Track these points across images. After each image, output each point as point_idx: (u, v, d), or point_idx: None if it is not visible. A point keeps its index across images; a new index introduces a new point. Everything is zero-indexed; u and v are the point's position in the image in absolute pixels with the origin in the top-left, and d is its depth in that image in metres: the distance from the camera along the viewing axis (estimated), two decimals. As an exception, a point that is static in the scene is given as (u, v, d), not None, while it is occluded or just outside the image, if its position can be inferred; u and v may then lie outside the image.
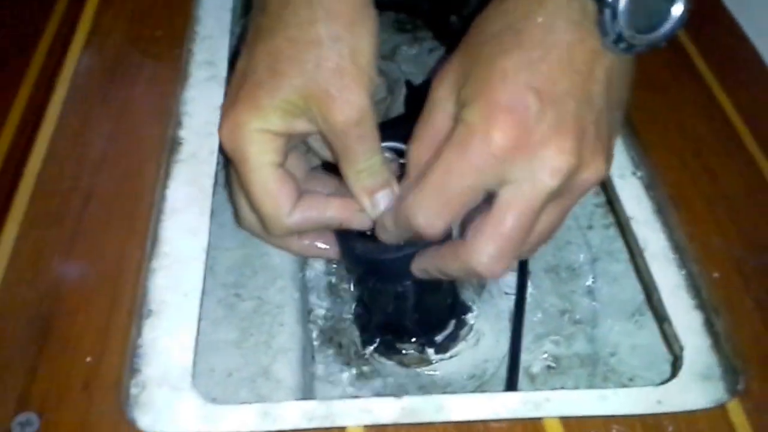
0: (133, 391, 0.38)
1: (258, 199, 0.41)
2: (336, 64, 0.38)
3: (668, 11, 0.36)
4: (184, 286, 0.42)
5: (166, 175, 0.47)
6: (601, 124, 0.37)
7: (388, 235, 0.42)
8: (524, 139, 0.35)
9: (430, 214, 0.37)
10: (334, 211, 0.42)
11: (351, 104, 0.38)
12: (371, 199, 0.41)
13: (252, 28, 0.41)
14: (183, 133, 0.49)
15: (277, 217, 0.41)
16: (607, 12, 0.35)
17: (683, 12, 0.36)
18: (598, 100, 0.37)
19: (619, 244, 0.55)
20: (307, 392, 0.47)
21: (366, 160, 0.40)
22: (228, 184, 0.46)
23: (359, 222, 0.43)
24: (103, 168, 0.47)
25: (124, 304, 0.41)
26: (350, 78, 0.38)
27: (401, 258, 0.43)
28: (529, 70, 0.36)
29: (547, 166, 0.36)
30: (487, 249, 0.37)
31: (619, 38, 0.36)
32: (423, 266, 0.42)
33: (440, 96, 0.39)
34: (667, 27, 0.36)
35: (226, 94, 0.42)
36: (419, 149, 0.40)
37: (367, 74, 0.39)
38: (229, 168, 0.44)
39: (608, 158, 0.38)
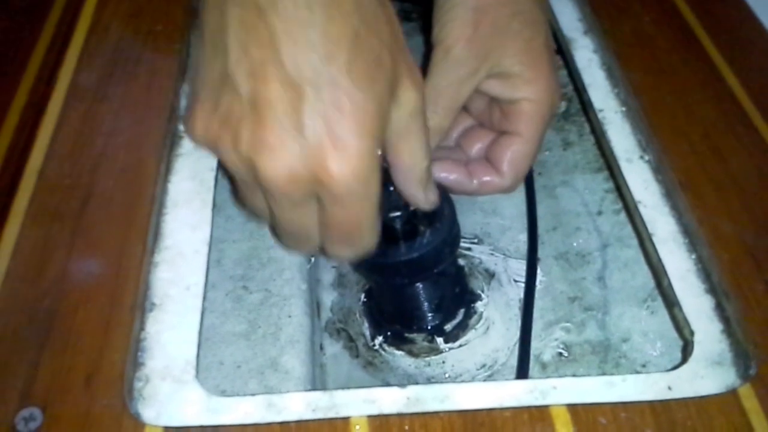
0: (137, 384, 0.38)
1: (364, 232, 0.37)
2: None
3: None
4: (186, 279, 0.42)
5: (167, 169, 0.47)
6: None
7: None
8: None
9: None
10: None
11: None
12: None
13: None
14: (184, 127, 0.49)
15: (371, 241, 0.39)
16: None
17: None
18: None
19: (630, 230, 0.54)
20: (315, 383, 0.47)
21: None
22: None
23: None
24: (104, 163, 0.47)
25: (126, 298, 0.41)
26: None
27: (407, 261, 0.42)
28: None
29: None
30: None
31: None
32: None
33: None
34: None
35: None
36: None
37: None
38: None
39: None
